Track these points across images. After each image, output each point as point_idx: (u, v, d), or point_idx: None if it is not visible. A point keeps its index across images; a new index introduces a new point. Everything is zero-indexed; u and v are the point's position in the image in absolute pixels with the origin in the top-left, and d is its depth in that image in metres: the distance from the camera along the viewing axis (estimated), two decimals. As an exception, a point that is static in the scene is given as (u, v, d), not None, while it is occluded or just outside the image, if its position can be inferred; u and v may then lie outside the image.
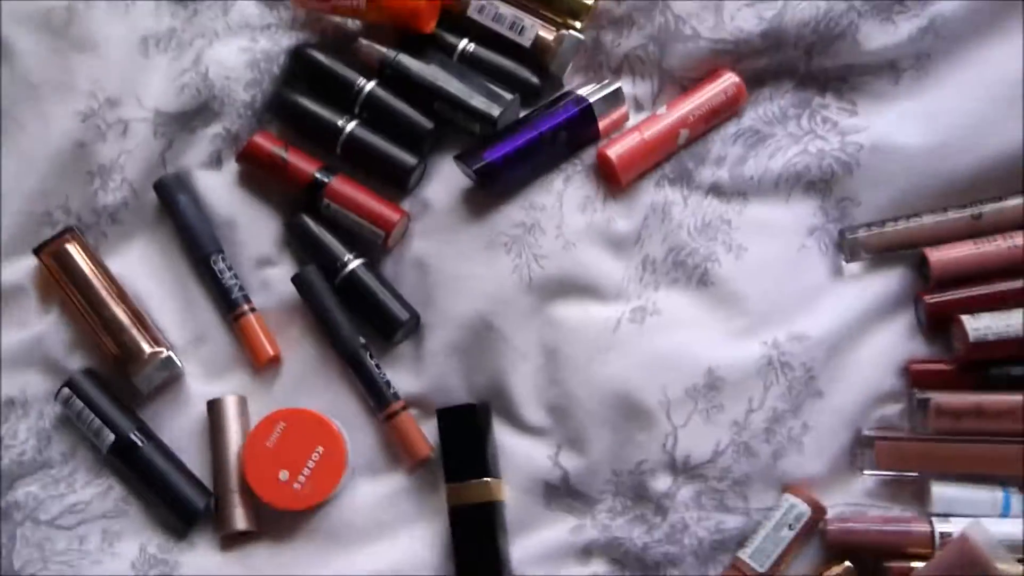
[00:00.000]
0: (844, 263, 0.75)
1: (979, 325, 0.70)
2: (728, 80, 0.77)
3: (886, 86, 0.76)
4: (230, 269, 0.77)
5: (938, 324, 0.73)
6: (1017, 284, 0.71)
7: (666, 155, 0.77)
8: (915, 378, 0.72)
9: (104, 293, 0.76)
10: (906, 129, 0.75)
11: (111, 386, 0.75)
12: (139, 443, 0.73)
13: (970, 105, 0.74)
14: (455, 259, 0.76)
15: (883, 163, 0.74)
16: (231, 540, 0.74)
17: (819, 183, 0.75)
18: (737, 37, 0.76)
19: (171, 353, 0.76)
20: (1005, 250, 0.72)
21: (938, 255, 0.73)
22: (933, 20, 0.74)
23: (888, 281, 0.74)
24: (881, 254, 0.74)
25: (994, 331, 0.70)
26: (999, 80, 0.74)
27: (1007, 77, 0.74)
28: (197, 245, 0.77)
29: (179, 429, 0.76)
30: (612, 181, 0.76)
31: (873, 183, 0.75)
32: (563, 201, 0.76)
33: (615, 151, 0.75)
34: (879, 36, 0.75)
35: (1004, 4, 0.74)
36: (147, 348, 0.75)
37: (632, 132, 0.76)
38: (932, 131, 0.74)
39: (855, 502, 0.72)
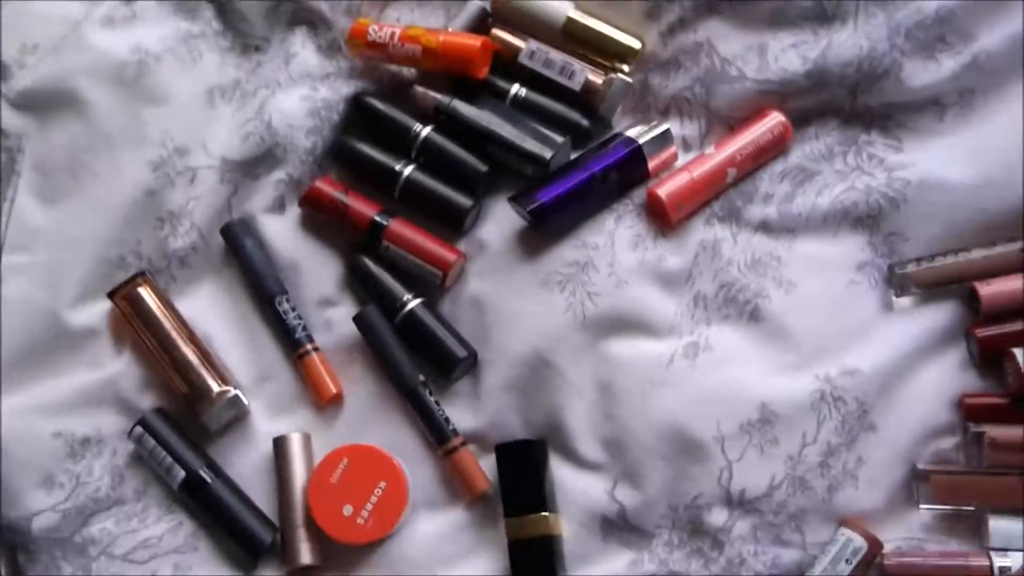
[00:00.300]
0: (894, 298, 0.75)
1: (1032, 358, 0.70)
2: (774, 119, 0.78)
3: (931, 122, 0.77)
4: (294, 310, 0.79)
5: (990, 357, 0.73)
6: (1068, 317, 0.72)
7: (715, 194, 0.78)
8: (969, 412, 0.72)
9: (174, 334, 0.78)
10: (952, 164, 0.75)
11: (181, 424, 0.78)
12: (208, 480, 0.76)
13: (1015, 139, 0.75)
14: (510, 298, 0.77)
15: (930, 198, 0.75)
16: (297, 574, 0.76)
17: (867, 219, 0.76)
18: (782, 77, 0.77)
19: (238, 392, 0.78)
20: (1055, 283, 0.72)
21: (988, 289, 0.73)
22: (976, 56, 0.75)
23: (938, 315, 0.75)
24: (931, 288, 0.75)
25: (1047, 364, 0.70)
26: (1044, 115, 0.75)
27: (1051, 112, 0.75)
28: (262, 287, 0.80)
29: (246, 466, 0.78)
30: (662, 220, 0.78)
31: (921, 218, 0.75)
32: (615, 240, 0.77)
33: (665, 190, 0.77)
34: (922, 74, 0.76)
35: (1047, 40, 0.75)
36: (215, 387, 0.77)
37: (681, 171, 0.78)
38: (978, 166, 0.75)
39: (912, 536, 0.72)
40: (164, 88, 0.82)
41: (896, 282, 0.75)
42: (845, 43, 0.76)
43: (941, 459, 0.73)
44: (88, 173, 0.81)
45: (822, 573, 0.70)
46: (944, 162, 0.76)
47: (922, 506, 0.72)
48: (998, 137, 0.75)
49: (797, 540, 0.72)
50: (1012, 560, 0.68)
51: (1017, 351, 0.71)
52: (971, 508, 0.71)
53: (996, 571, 0.68)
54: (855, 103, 0.78)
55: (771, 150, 0.78)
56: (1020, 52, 0.75)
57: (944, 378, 0.74)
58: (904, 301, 0.76)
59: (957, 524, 0.72)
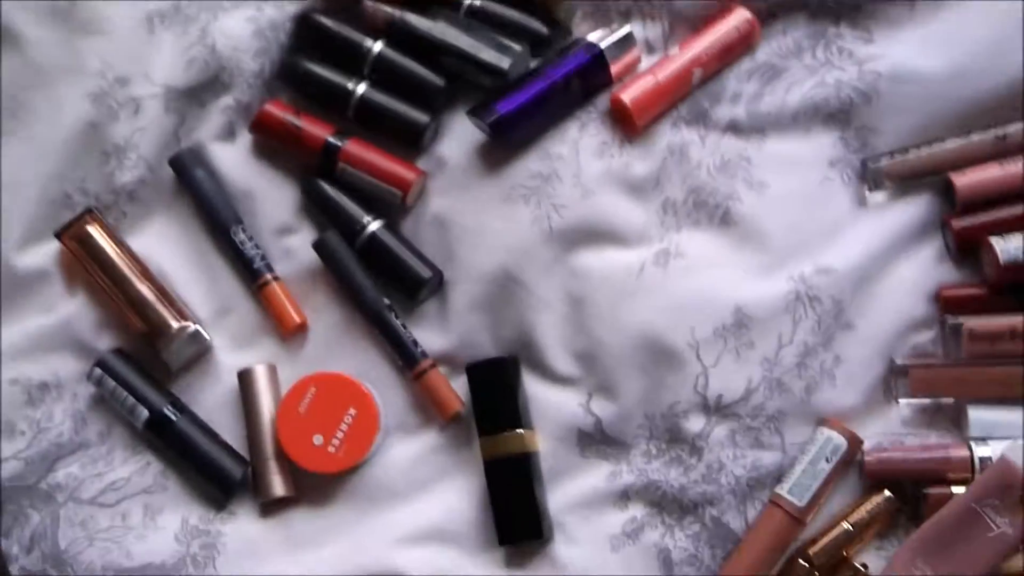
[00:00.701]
0: (868, 193, 0.74)
1: (1009, 247, 0.69)
2: (740, 17, 0.75)
3: (902, 12, 0.75)
4: (251, 239, 0.77)
5: (967, 248, 0.72)
6: (1045, 204, 0.70)
7: (681, 96, 0.76)
8: (946, 304, 0.71)
9: (128, 271, 0.76)
10: (924, 54, 0.73)
11: (141, 364, 0.76)
12: (173, 417, 0.74)
13: (988, 26, 0.73)
14: (474, 214, 0.75)
15: (902, 90, 0.73)
16: (271, 507, 0.75)
17: (838, 114, 0.74)
18: (747, -28, 0.75)
19: (198, 327, 0.76)
20: (1032, 170, 0.70)
21: (964, 179, 0.71)
22: (947, -58, 0.73)
23: (914, 209, 0.74)
24: (905, 182, 0.73)
25: (1025, 252, 0.69)
26: (1014, 5, 0.72)
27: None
28: (216, 218, 0.77)
29: (211, 401, 0.77)
30: (627, 126, 0.76)
31: (893, 111, 0.74)
32: (579, 149, 0.75)
33: (629, 95, 0.75)
34: (892, -39, 0.74)
35: (1019, -81, 0.72)
36: (174, 323, 0.75)
37: (645, 75, 0.75)
38: (951, 55, 0.73)
39: (892, 432, 0.71)
40: (100, 16, 0.78)
41: (870, 177, 0.73)
42: (810, -70, 0.74)
43: (919, 353, 0.72)
44: (26, 110, 0.78)
45: (802, 473, 0.70)
46: (916, 52, 0.74)
47: (901, 401, 0.71)
48: (970, 25, 0.73)
49: (776, 442, 0.72)
50: (992, 449, 0.68)
51: (994, 240, 0.70)
52: (950, 400, 0.70)
53: (976, 460, 0.68)
54: (823, -5, 0.75)
55: (737, 48, 0.76)
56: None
57: (920, 272, 0.73)
58: (878, 196, 0.74)
59: (936, 417, 0.71)
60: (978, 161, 0.72)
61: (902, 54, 0.74)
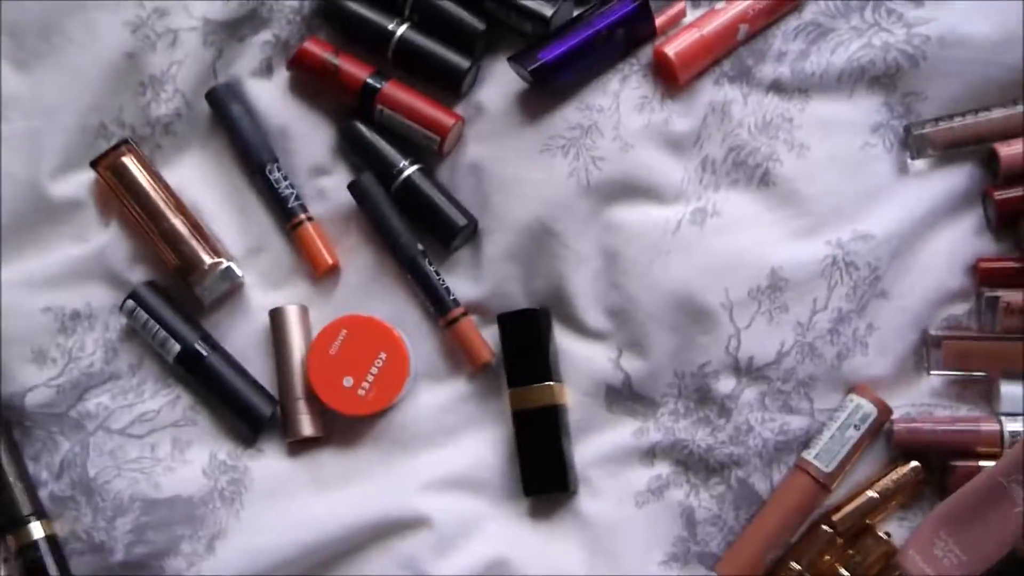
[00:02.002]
0: (910, 160, 0.73)
1: (1050, 221, 0.68)
2: (789, -28, 0.74)
3: (906, 6, 0.73)
4: (285, 178, 0.77)
5: (1008, 221, 0.71)
6: (1090, 177, 0.69)
7: (725, 52, 0.75)
8: (983, 276, 0.71)
9: (162, 204, 0.76)
10: (974, 20, 0.72)
11: (173, 298, 0.76)
12: (204, 353, 0.74)
13: (996, 17, 0.71)
14: (512, 163, 0.75)
15: (950, 55, 0.72)
16: (298, 446, 0.75)
17: (884, 78, 0.73)
18: (800, -76, 0.73)
19: (231, 264, 0.76)
20: (1078, 143, 0.69)
21: (1008, 149, 0.71)
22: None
23: (956, 178, 0.73)
24: (948, 150, 0.72)
25: (1066, 226, 0.68)
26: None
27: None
28: (251, 155, 0.77)
29: (242, 339, 0.77)
30: (670, 80, 0.74)
31: (940, 76, 0.72)
32: (620, 101, 0.74)
33: (673, 48, 0.73)
34: (948, -76, 0.72)
35: None
36: (207, 259, 0.75)
37: (690, 28, 0.74)
38: (1001, 21, 0.71)
39: (922, 402, 0.71)
40: (140, -57, 0.77)
41: (912, 143, 0.72)
42: None
43: (953, 325, 0.72)
44: (63, 37, 0.78)
45: (830, 439, 0.70)
46: (965, 17, 0.72)
47: (933, 372, 0.71)
48: (977, 16, 0.72)
49: (805, 407, 0.72)
50: (1022, 424, 0.68)
51: (1035, 213, 0.69)
52: (982, 374, 0.70)
53: (1006, 435, 0.68)
54: (876, -46, 0.74)
55: (785, 5, 0.74)
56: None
57: (959, 243, 0.72)
58: (920, 164, 0.73)
59: (967, 390, 0.71)
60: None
61: (952, 18, 0.72)
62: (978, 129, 0.72)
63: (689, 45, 0.74)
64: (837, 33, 0.74)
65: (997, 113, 0.71)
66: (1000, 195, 0.71)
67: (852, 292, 0.71)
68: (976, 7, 0.72)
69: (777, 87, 0.74)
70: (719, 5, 0.75)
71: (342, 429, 0.75)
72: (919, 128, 0.72)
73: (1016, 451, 0.65)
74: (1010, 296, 0.69)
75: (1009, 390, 0.69)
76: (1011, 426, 0.68)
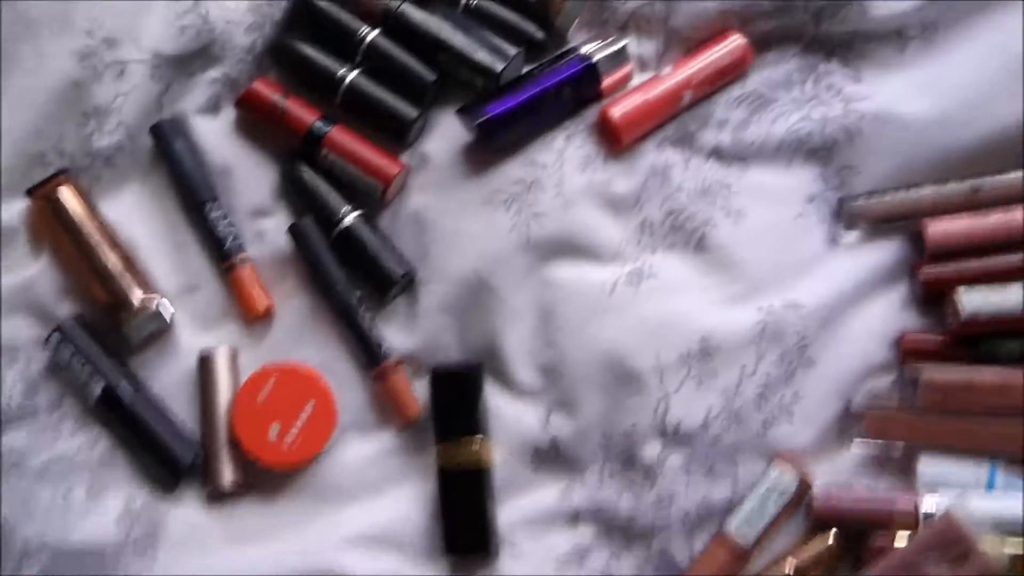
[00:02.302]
0: (842, 232, 0.74)
1: (973, 299, 0.70)
2: (734, 42, 0.76)
3: (892, 54, 0.75)
4: (225, 218, 0.76)
5: (933, 297, 0.73)
6: (1013, 259, 0.71)
7: (669, 117, 0.76)
8: (907, 351, 0.72)
9: (96, 238, 0.74)
10: (910, 99, 0.74)
11: (101, 334, 0.74)
12: (128, 394, 0.73)
13: (974, 77, 0.73)
14: (453, 215, 0.75)
15: (885, 132, 0.74)
16: (218, 495, 0.74)
17: (820, 150, 0.75)
18: (746, -2, 0.75)
19: (163, 303, 0.75)
20: (1003, 224, 0.71)
21: (936, 227, 0.72)
22: (942, -12, 0.73)
23: (885, 252, 0.74)
24: (879, 224, 0.74)
25: (988, 306, 0.69)
26: (1005, 53, 0.73)
27: (1013, 50, 0.73)
28: (192, 192, 0.76)
29: (168, 379, 0.75)
30: (613, 141, 0.75)
31: (874, 152, 0.74)
32: (564, 159, 0.75)
33: (617, 111, 0.74)
34: (887, 3, 0.74)
35: (1015, -24, 0.73)
36: (138, 297, 0.74)
37: (635, 92, 0.75)
38: (935, 102, 0.73)
39: (843, 473, 0.72)
40: (93, -28, 0.77)
41: (845, 215, 0.74)
42: (813, -34, 0.74)
43: (876, 397, 0.73)
44: (9, 61, 0.76)
45: (751, 509, 0.70)
46: (902, 95, 0.74)
47: (855, 443, 0.72)
48: (957, 73, 0.74)
49: (729, 474, 0.72)
50: (939, 501, 0.68)
51: (959, 291, 0.70)
52: (902, 446, 0.71)
53: (922, 511, 0.68)
54: (818, 30, 0.75)
55: (729, 73, 0.76)
56: (986, -13, 0.73)
57: (886, 316, 0.73)
58: (852, 236, 0.75)
59: (887, 463, 0.72)
60: (952, 210, 0.73)
61: (889, 96, 0.74)
62: (908, 205, 0.73)
63: (634, 108, 0.75)
64: (778, 104, 0.75)
65: (928, 191, 0.73)
66: (926, 271, 0.72)
67: (780, 360, 0.72)
68: (912, 86, 0.74)
69: (717, 153, 0.75)
70: (665, 70, 0.76)
71: (264, 479, 0.74)
72: (852, 201, 0.74)
73: (931, 529, 0.66)
74: (932, 372, 0.70)
75: (928, 465, 0.70)
76: (928, 502, 0.69)
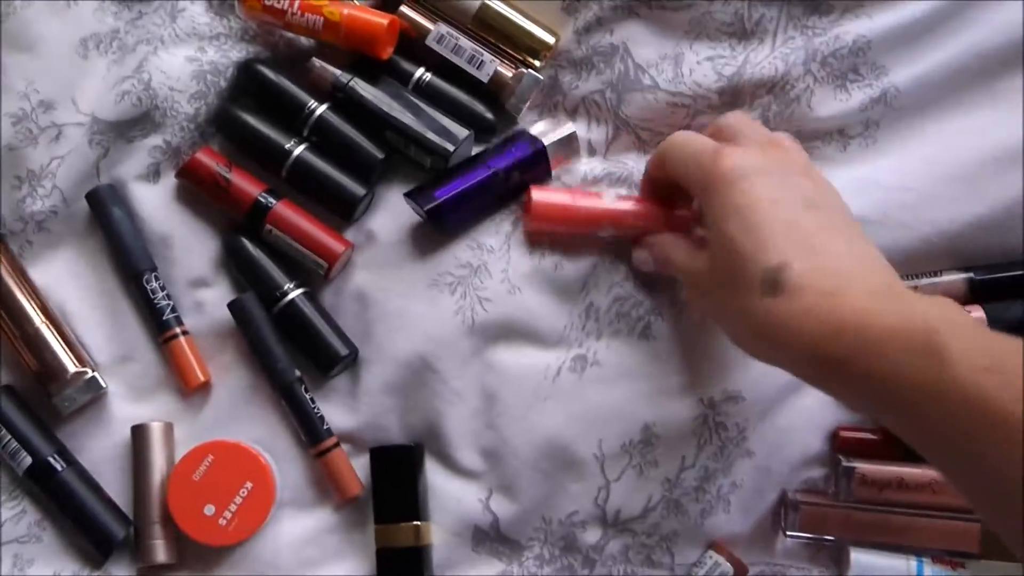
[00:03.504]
0: (781, 323, 0.76)
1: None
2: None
3: (834, 152, 0.77)
4: (163, 289, 0.74)
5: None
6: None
7: (582, 234, 0.74)
8: (842, 445, 0.74)
9: (27, 305, 0.72)
10: (849, 197, 0.74)
11: (30, 405, 0.72)
12: (58, 467, 0.70)
13: (913, 178, 0.74)
14: (398, 295, 0.74)
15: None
16: (150, 572, 0.72)
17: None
18: (695, 92, 0.76)
19: (95, 374, 0.73)
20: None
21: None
22: (885, 91, 0.75)
23: (822, 343, 0.76)
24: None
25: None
26: (943, 157, 0.74)
27: (951, 155, 0.74)
28: (129, 261, 0.74)
29: (100, 452, 0.73)
30: (525, 215, 0.75)
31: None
32: (511, 243, 0.75)
33: (538, 196, 0.73)
34: (832, 103, 0.75)
35: (956, 82, 0.75)
36: (70, 367, 0.72)
37: (567, 191, 0.74)
38: (873, 202, 0.74)
39: (776, 562, 0.73)
40: (31, 34, 0.75)
41: (784, 308, 0.75)
42: (761, 63, 0.75)
43: (810, 489, 0.74)
44: (-60, 120, 0.74)
45: (690, 602, 0.71)
46: (842, 194, 0.75)
47: (788, 534, 0.73)
48: (897, 174, 0.75)
49: (667, 562, 0.73)
50: (868, 595, 0.70)
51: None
52: (832, 540, 0.72)
53: (850, 608, 0.70)
54: (766, 126, 0.77)
55: (667, 225, 0.73)
56: (927, 92, 0.75)
57: (823, 409, 0.74)
58: (790, 328, 0.76)
59: (819, 553, 0.74)
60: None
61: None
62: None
63: (554, 202, 0.73)
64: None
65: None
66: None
67: (720, 451, 0.73)
68: (852, 185, 0.71)
69: (664, 242, 0.76)
70: (608, 193, 0.75)
71: (198, 556, 0.72)
72: (791, 292, 0.75)
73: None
74: (866, 467, 0.71)
75: (858, 557, 0.71)
76: (856, 598, 0.70)
